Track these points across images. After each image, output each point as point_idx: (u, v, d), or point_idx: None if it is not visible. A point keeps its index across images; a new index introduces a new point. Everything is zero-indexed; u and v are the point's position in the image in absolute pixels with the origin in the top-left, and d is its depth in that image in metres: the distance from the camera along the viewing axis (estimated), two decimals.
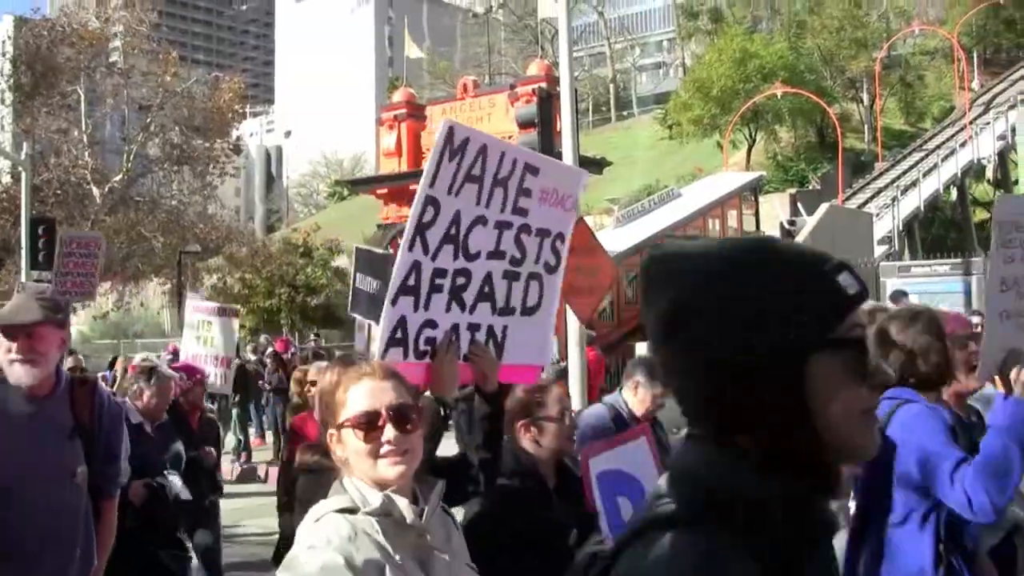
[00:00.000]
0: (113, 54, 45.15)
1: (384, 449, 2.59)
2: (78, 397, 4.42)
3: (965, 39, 74.48)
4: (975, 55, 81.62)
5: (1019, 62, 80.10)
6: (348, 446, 2.63)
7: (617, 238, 24.05)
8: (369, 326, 7.66)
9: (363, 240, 57.52)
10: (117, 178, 39.54)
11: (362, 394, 2.64)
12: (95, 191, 37.95)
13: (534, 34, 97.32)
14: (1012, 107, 52.26)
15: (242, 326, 41.45)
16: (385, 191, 26.34)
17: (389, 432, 2.59)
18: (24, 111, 39.46)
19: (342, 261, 55.31)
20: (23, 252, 22.67)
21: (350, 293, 6.15)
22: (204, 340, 11.42)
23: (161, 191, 43.25)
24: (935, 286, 21.56)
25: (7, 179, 38.48)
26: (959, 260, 24.34)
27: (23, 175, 24.33)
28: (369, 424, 2.60)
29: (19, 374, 4.16)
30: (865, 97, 70.76)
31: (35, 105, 38.68)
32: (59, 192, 37.04)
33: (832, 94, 65.10)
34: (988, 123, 51.93)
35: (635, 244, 25.70)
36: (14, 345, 4.15)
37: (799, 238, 29.12)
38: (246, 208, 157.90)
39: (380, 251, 6.84)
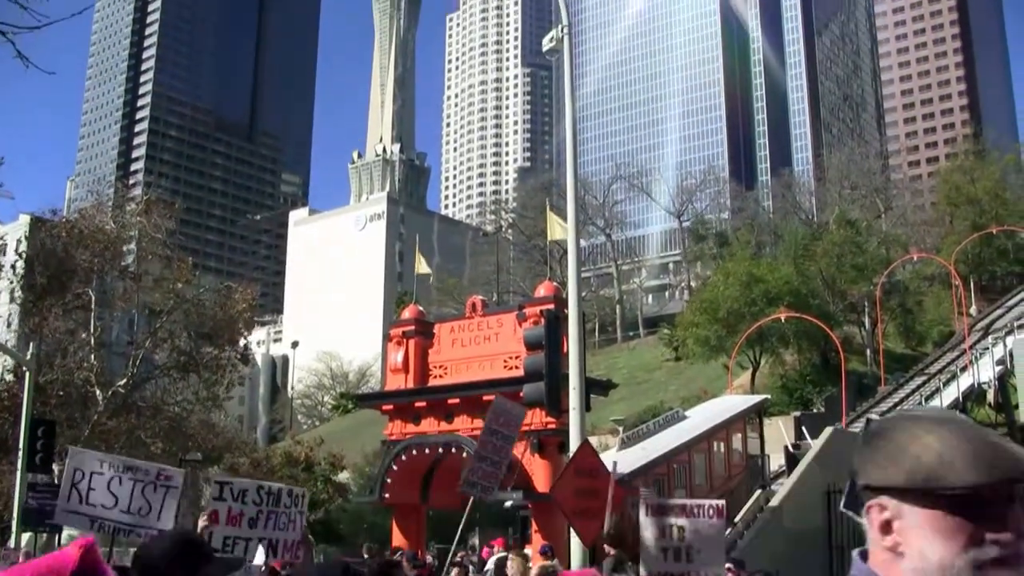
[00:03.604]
0: (127, 257, 45.05)
1: None
2: None
3: (961, 266, 76.06)
4: (972, 282, 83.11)
5: (1014, 289, 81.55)
6: None
7: (622, 459, 23.92)
8: None
9: (365, 456, 57.17)
10: (121, 382, 39.05)
11: None
12: (98, 394, 37.53)
13: (543, 254, 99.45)
14: (1009, 333, 52.87)
15: None
16: (391, 407, 26.39)
17: None
18: (33, 311, 39.18)
19: (344, 476, 54.93)
20: (21, 453, 22.43)
21: None
22: None
23: (165, 397, 42.68)
24: None
25: (10, 377, 37.99)
26: None
27: (27, 374, 24.22)
28: None
29: None
30: (867, 321, 71.63)
31: (45, 305, 38.42)
32: (61, 393, 36.59)
33: (835, 318, 65.93)
34: (987, 348, 52.40)
35: (640, 466, 25.56)
36: None
37: (803, 462, 28.97)
38: (250, 417, 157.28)
39: None
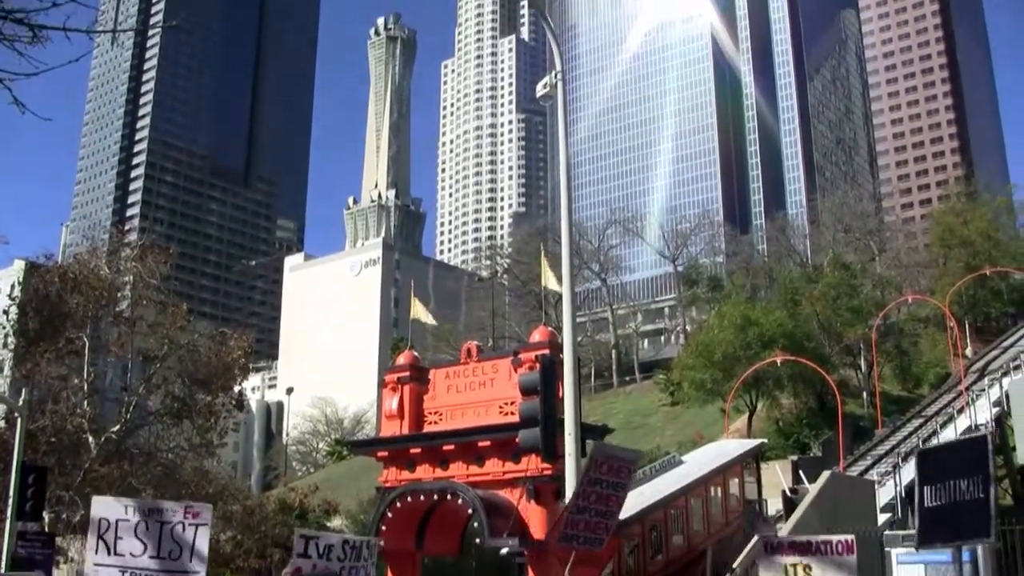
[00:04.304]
0: (122, 303, 44.78)
1: None
2: None
3: (956, 308, 76.17)
4: (966, 323, 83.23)
5: (1009, 330, 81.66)
6: None
7: None
8: None
9: (360, 503, 56.73)
10: (114, 428, 38.62)
11: None
12: (91, 440, 37.14)
13: (538, 299, 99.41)
14: (1006, 374, 52.78)
15: None
16: (386, 454, 26.21)
17: None
18: (26, 356, 38.83)
19: (338, 523, 54.51)
20: (11, 500, 22.17)
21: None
22: None
23: (158, 444, 42.26)
24: (942, 555, 21.07)
25: (1, 423, 37.60)
26: None
27: (19, 421, 24.00)
28: None
29: None
30: (863, 364, 71.55)
31: (38, 351, 38.07)
32: (53, 440, 36.16)
33: (831, 361, 65.86)
34: (984, 390, 52.33)
35: (636, 512, 25.37)
36: None
37: (801, 506, 28.79)
38: (244, 464, 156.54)
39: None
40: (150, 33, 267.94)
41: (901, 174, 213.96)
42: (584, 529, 14.61)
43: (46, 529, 28.05)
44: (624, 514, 22.97)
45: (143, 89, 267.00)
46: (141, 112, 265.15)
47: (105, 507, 12.06)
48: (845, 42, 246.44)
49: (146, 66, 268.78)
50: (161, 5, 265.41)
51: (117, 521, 11.78)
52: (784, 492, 37.57)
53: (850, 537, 11.72)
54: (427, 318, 31.87)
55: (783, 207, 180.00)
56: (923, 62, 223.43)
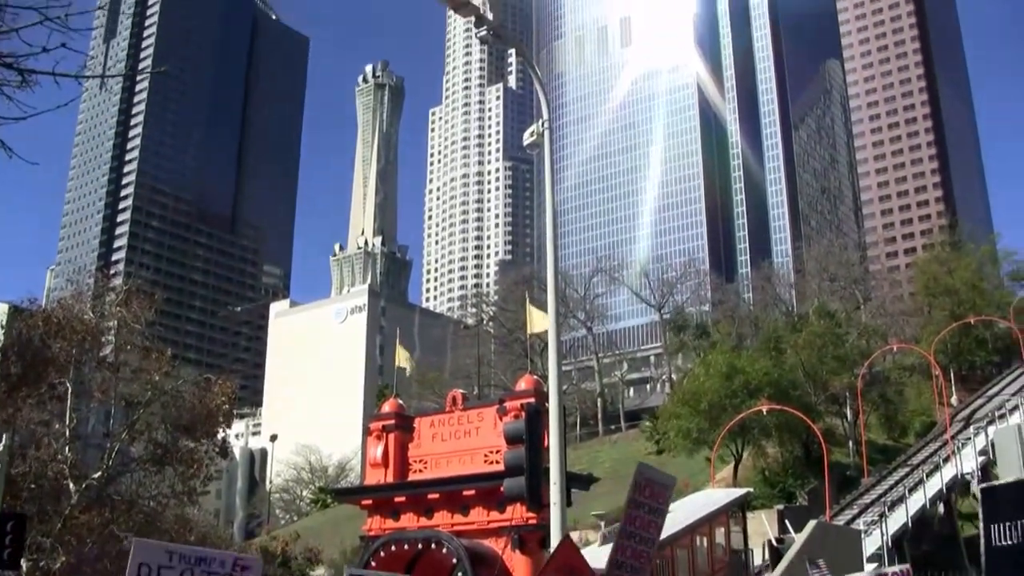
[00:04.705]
0: (105, 348, 44.57)
1: None
2: None
3: (941, 356, 76.35)
4: (951, 372, 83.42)
5: (993, 378, 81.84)
6: None
7: (604, 555, 23.60)
8: None
9: (343, 552, 56.35)
10: (96, 475, 38.27)
11: None
12: (72, 487, 36.79)
13: (523, 347, 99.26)
14: (991, 423, 52.93)
15: None
16: (370, 502, 26.03)
17: None
18: (7, 401, 38.54)
19: (321, 572, 54.03)
20: None
21: None
22: None
23: (140, 491, 41.81)
24: None
25: None
26: None
27: None
28: None
29: None
30: (848, 412, 71.53)
31: (20, 396, 37.79)
32: (33, 486, 35.81)
33: (816, 410, 65.82)
34: (969, 438, 52.42)
35: None
36: None
37: (787, 556, 28.64)
38: (226, 511, 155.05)
39: None
40: (139, 78, 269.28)
41: (886, 223, 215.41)
42: (631, 557, 14.42)
43: None
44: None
45: (131, 133, 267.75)
46: (128, 156, 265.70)
47: (148, 552, 11.71)
48: (830, 91, 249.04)
49: (134, 111, 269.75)
50: (150, 51, 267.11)
51: (160, 568, 11.47)
52: (770, 542, 37.40)
53: (906, 567, 11.62)
54: (407, 364, 31.83)
55: (768, 255, 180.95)
56: (907, 112, 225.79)
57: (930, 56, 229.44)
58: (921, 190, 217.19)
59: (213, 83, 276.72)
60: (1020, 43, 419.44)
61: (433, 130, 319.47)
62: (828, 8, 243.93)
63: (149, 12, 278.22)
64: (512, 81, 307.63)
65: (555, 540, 16.38)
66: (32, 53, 9.54)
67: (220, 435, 43.50)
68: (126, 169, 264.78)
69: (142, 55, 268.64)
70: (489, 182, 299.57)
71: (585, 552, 18.01)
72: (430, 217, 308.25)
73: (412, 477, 25.43)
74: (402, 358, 31.00)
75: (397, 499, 25.28)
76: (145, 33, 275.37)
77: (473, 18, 18.67)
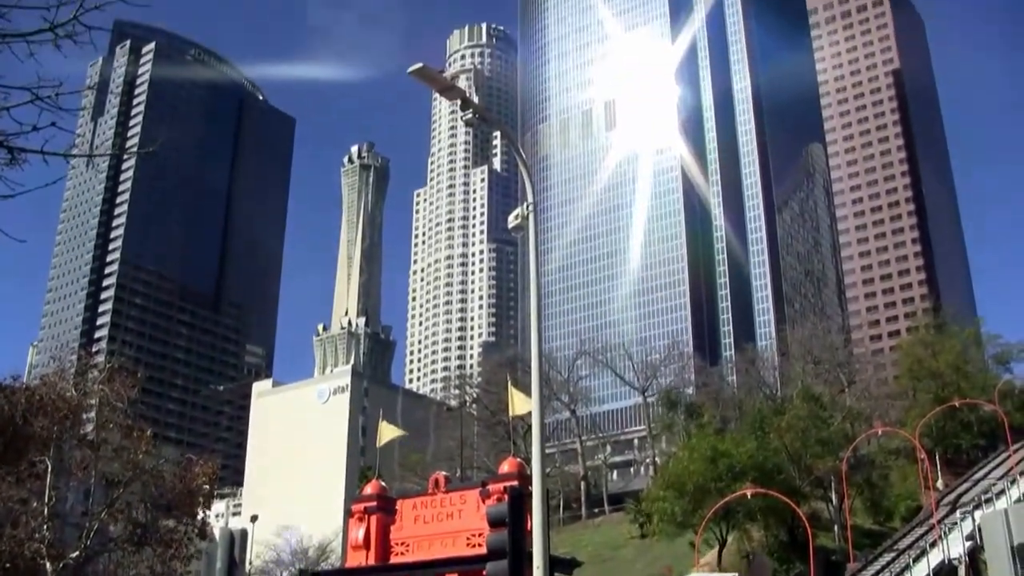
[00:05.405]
0: (87, 425, 44.23)
1: None
2: None
3: (926, 440, 76.24)
4: (937, 455, 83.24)
5: (979, 462, 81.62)
6: None
7: None
8: None
9: None
10: (73, 554, 37.66)
11: None
12: (48, 566, 36.13)
13: (507, 429, 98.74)
14: (978, 507, 52.61)
15: None
16: None
17: None
18: None
19: None
20: None
21: None
22: None
23: (118, 572, 41.08)
24: None
25: None
26: None
27: None
28: None
29: None
30: (833, 496, 71.14)
31: None
32: (9, 565, 35.21)
33: (801, 493, 65.47)
34: (956, 523, 52.06)
35: None
36: None
37: None
38: None
39: None
40: (125, 156, 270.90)
41: (869, 305, 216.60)
42: None
43: None
44: None
45: (116, 211, 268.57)
46: (113, 233, 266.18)
47: None
48: (812, 175, 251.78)
49: (120, 188, 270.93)
50: (137, 128, 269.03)
51: None
52: None
53: None
54: (393, 433, 31.54)
55: (752, 338, 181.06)
56: (889, 195, 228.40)
57: (912, 140, 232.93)
58: (904, 272, 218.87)
59: (199, 162, 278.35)
60: (1000, 128, 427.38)
61: (418, 211, 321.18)
62: (811, 93, 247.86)
63: (137, 92, 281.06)
64: (497, 163, 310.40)
65: None
66: (23, 132, 9.59)
67: (200, 515, 43.04)
68: (111, 246, 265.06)
69: (129, 133, 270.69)
70: (473, 263, 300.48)
71: None
72: (414, 298, 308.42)
73: (394, 560, 25.11)
74: (387, 432, 30.75)
75: None
76: (132, 112, 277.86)
77: (459, 101, 18.87)
